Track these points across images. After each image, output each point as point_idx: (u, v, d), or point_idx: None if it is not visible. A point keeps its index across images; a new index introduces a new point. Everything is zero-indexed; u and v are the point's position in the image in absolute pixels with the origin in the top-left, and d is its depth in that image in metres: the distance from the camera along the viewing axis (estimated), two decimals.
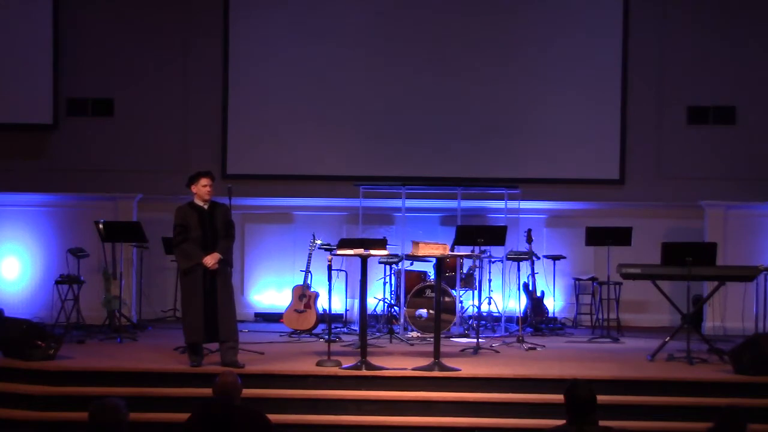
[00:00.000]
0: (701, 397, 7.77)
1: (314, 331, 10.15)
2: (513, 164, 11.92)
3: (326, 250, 9.98)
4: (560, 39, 12.00)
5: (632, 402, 7.67)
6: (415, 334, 10.15)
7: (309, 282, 10.30)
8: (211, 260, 8.15)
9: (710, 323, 10.99)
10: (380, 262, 10.36)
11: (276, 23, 12.13)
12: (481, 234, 9.76)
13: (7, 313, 10.03)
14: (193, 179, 8.37)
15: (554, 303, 11.38)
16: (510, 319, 10.83)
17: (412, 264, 10.69)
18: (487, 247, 10.51)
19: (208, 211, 8.34)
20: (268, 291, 11.92)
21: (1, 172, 11.91)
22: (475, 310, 10.26)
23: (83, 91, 12.16)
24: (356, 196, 11.05)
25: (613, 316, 10.72)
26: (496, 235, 9.88)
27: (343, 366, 8.11)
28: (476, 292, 10.24)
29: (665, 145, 11.99)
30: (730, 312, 10.85)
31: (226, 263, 8.30)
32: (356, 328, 10.02)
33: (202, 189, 8.31)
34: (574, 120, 11.97)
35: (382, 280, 10.56)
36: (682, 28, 12.00)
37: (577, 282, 11.34)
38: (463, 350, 9.19)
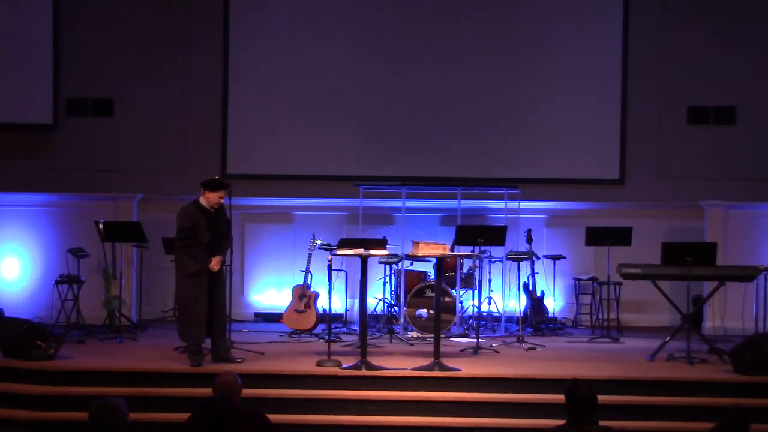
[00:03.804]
0: (701, 397, 7.77)
1: (314, 331, 10.15)
2: (513, 164, 11.92)
3: (326, 250, 9.97)
4: (560, 39, 11.99)
5: (632, 402, 7.68)
6: (415, 334, 10.14)
7: (309, 282, 10.30)
8: (217, 265, 8.32)
9: (710, 323, 10.97)
10: (380, 262, 10.35)
11: (276, 23, 12.12)
12: (481, 234, 9.76)
13: (7, 313, 10.03)
14: (212, 187, 8.36)
15: (554, 303, 11.37)
16: (510, 319, 10.83)
17: (412, 264, 10.69)
18: (487, 247, 10.50)
19: (214, 214, 8.41)
20: (268, 291, 11.92)
21: (1, 172, 11.91)
22: (475, 310, 10.25)
23: (83, 91, 12.15)
24: (356, 196, 11.05)
25: (613, 316, 10.71)
26: (496, 235, 9.88)
27: (343, 366, 8.11)
28: (476, 292, 10.23)
29: (665, 145, 11.98)
30: (730, 312, 10.84)
31: (224, 263, 8.47)
32: (356, 328, 10.01)
33: (216, 199, 8.36)
34: (574, 120, 11.96)
35: (382, 280, 10.55)
36: (682, 28, 11.99)
37: (577, 282, 11.34)
38: (463, 350, 9.19)
